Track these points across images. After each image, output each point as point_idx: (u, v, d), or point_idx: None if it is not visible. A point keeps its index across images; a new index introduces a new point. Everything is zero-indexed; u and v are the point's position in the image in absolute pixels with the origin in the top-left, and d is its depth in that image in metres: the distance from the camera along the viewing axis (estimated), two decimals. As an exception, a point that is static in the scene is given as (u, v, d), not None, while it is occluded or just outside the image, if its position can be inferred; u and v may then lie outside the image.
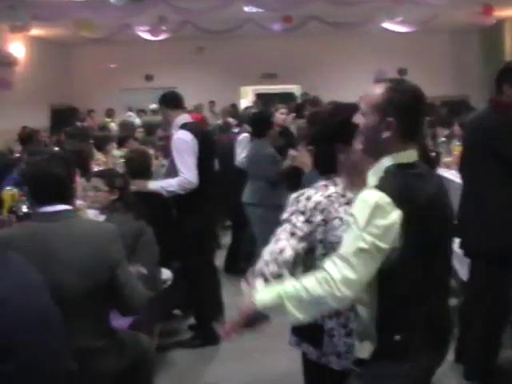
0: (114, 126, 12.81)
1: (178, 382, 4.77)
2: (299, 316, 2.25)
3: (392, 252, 2.21)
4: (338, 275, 2.18)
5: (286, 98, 15.08)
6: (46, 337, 2.64)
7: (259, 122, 6.71)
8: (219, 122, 9.27)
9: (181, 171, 5.09)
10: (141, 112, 15.11)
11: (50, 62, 17.46)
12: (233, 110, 13.00)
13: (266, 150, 6.48)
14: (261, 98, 16.44)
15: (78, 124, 13.40)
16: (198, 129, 5.38)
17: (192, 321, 5.63)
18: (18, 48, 16.09)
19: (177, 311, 5.81)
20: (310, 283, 2.24)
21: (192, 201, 5.10)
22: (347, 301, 2.23)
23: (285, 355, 4.23)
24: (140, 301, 3.33)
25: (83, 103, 16.99)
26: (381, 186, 2.25)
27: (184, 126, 5.25)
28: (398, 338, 2.30)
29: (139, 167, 5.20)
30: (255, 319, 2.34)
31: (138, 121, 12.84)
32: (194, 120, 5.55)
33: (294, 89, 17.80)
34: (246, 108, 12.32)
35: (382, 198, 2.20)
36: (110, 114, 15.12)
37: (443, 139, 8.09)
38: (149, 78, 18.70)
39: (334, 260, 2.23)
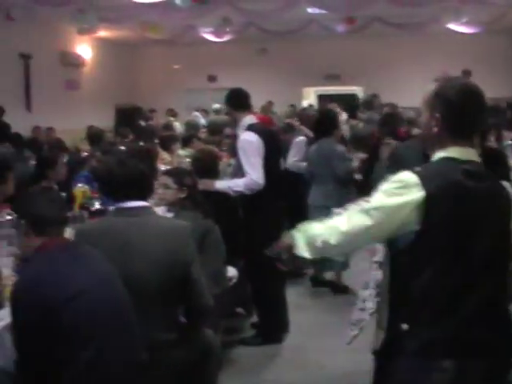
0: (177, 125, 12.96)
1: (240, 378, 4.80)
2: (301, 249, 2.45)
3: (407, 233, 2.23)
4: (334, 223, 2.36)
5: (349, 99, 15.02)
6: (119, 327, 2.74)
7: (326, 121, 6.73)
8: (287, 121, 9.29)
9: (247, 172, 5.09)
10: (203, 112, 15.23)
11: (115, 62, 17.81)
12: (292, 110, 12.99)
13: (337, 148, 6.49)
14: (322, 99, 16.39)
15: (142, 123, 13.61)
16: (263, 129, 5.39)
17: (255, 319, 5.67)
18: (85, 49, 16.49)
19: (240, 309, 5.87)
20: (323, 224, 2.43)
21: (258, 201, 5.13)
22: (328, 245, 2.36)
23: (345, 356, 4.26)
24: (208, 300, 3.40)
25: (147, 103, 17.20)
26: (419, 169, 2.28)
27: (250, 127, 5.27)
28: (405, 327, 2.26)
29: (206, 166, 5.26)
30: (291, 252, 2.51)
31: (203, 121, 12.95)
32: (260, 121, 5.58)
33: (357, 90, 17.68)
34: (304, 109, 12.22)
35: (412, 178, 2.23)
36: (172, 113, 15.28)
37: (509, 142, 7.95)
38: (212, 78, 18.84)
39: (343, 212, 2.43)
